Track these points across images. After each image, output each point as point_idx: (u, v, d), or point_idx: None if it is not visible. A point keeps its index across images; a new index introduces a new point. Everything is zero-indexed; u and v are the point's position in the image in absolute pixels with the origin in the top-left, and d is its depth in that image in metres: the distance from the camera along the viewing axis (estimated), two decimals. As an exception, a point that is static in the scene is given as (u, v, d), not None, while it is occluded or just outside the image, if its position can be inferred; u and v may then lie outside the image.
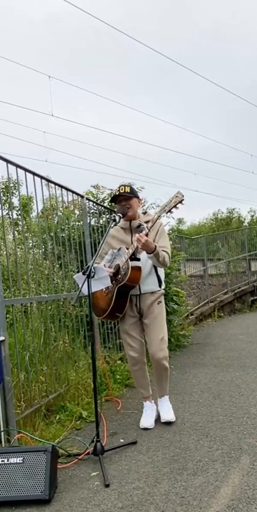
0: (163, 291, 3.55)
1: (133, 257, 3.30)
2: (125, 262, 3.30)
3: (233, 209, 38.01)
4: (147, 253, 3.23)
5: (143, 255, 3.33)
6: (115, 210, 3.78)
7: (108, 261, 3.49)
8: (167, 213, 3.14)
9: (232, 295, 11.80)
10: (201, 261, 11.78)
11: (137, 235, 3.18)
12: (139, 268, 3.32)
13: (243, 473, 2.58)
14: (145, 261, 3.36)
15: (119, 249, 3.44)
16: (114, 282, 3.35)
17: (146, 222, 3.37)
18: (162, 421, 3.47)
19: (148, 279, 3.42)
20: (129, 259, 3.28)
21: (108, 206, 5.88)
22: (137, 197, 3.53)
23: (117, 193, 3.44)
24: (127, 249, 3.34)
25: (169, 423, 3.44)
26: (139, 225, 3.38)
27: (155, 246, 3.21)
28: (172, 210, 3.12)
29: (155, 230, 3.38)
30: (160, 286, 3.49)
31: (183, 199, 3.11)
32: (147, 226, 3.21)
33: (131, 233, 3.48)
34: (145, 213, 3.64)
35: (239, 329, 8.53)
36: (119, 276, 3.33)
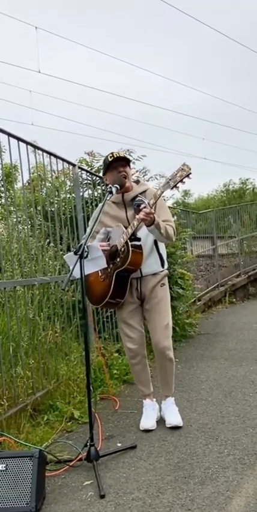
0: (167, 272, 3.52)
1: (133, 237, 3.25)
2: (124, 243, 3.23)
3: (247, 179, 37.75)
4: (147, 226, 3.18)
5: (142, 233, 3.27)
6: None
7: (101, 240, 3.42)
8: (172, 188, 3.11)
9: (246, 278, 11.81)
10: (210, 239, 11.76)
11: (140, 214, 3.11)
12: (140, 250, 3.27)
13: (258, 482, 2.57)
14: (145, 238, 3.31)
15: (115, 227, 3.37)
16: (112, 266, 3.29)
17: (141, 193, 3.31)
18: (167, 426, 3.43)
19: (149, 259, 3.38)
20: (128, 240, 3.22)
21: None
22: (130, 166, 3.48)
23: (110, 159, 3.35)
24: (126, 227, 3.27)
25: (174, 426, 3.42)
26: (135, 197, 3.30)
27: (154, 216, 3.16)
28: (177, 186, 3.07)
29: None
30: (162, 266, 3.46)
31: (190, 173, 3.07)
32: (149, 203, 3.14)
33: (125, 208, 3.41)
34: (137, 182, 3.57)
35: (253, 317, 8.55)
36: (118, 260, 3.27)
